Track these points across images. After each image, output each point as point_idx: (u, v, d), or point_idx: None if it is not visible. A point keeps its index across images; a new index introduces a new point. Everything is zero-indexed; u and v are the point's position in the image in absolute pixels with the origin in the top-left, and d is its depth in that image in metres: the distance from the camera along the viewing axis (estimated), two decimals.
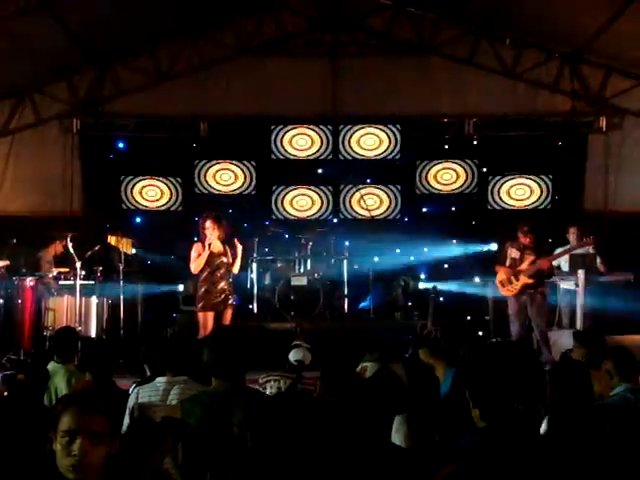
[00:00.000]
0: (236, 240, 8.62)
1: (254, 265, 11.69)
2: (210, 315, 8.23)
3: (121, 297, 10.47)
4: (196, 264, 8.33)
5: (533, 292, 8.83)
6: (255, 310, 11.47)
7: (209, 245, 8.29)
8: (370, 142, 12.90)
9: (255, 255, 11.71)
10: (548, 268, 8.86)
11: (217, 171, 13.02)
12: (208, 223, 8.33)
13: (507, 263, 9.02)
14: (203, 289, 8.33)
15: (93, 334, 9.94)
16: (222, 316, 8.27)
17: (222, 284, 8.33)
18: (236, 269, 8.51)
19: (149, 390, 4.36)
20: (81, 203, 12.69)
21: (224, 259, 8.37)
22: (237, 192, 13.05)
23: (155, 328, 10.47)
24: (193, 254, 8.39)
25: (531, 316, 8.80)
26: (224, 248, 8.39)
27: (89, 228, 11.98)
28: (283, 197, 12.98)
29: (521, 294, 8.84)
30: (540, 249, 9.02)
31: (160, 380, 4.38)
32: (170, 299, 11.37)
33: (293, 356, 5.88)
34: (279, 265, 11.85)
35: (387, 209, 12.97)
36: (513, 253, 8.97)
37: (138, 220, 13.07)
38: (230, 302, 8.39)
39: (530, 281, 8.77)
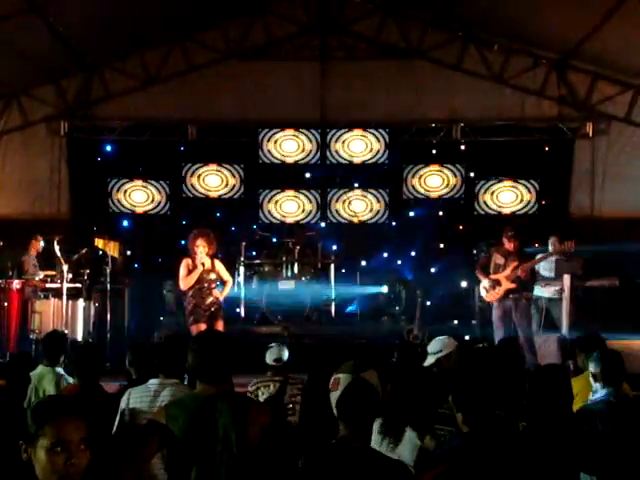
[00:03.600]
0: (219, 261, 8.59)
1: (241, 269, 11.71)
2: (203, 327, 8.20)
3: (108, 301, 10.42)
4: (186, 282, 8.24)
5: (518, 297, 8.83)
6: (242, 314, 11.48)
7: (202, 264, 8.24)
8: (358, 146, 12.93)
9: (242, 259, 11.75)
10: (525, 276, 8.81)
11: (205, 175, 13.04)
12: (199, 241, 8.23)
13: (491, 268, 9.00)
14: (192, 303, 8.23)
15: (80, 337, 9.89)
16: (214, 327, 8.23)
17: (211, 298, 8.31)
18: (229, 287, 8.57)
19: (141, 392, 4.37)
20: (68, 206, 12.74)
21: (212, 275, 8.33)
22: (225, 196, 13.06)
23: (142, 332, 10.45)
24: (182, 271, 8.24)
25: (516, 321, 8.79)
26: (212, 263, 8.35)
27: (76, 231, 11.98)
28: (271, 201, 13.00)
29: (505, 299, 8.83)
30: (524, 255, 9.00)
31: (153, 382, 4.39)
32: (157, 303, 11.35)
33: (269, 357, 5.85)
34: (267, 269, 11.83)
35: (375, 213, 12.99)
36: (498, 259, 8.95)
37: (125, 223, 13.04)
38: (221, 313, 8.39)
39: (512, 286, 8.75)
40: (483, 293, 9.08)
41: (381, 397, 2.93)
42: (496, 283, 8.83)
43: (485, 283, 8.97)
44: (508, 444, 2.58)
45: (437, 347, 5.28)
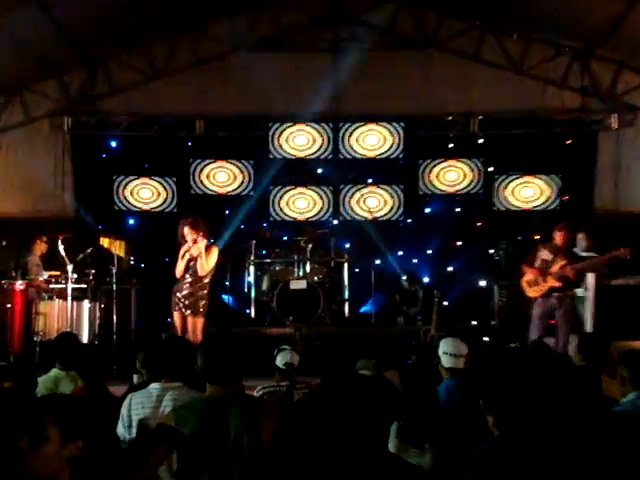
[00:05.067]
0: (214, 247, 8.75)
1: (251, 268, 11.73)
2: (177, 315, 8.56)
3: (114, 301, 10.44)
4: (177, 270, 8.62)
5: (562, 295, 8.75)
6: (253, 315, 11.53)
7: (187, 252, 8.49)
8: (372, 141, 12.86)
9: (252, 258, 11.75)
10: (574, 277, 8.75)
11: (213, 171, 13.02)
12: (186, 229, 8.53)
13: (537, 264, 8.90)
14: (174, 292, 8.66)
15: (85, 340, 9.94)
16: (191, 323, 8.48)
17: (188, 289, 8.52)
18: (202, 270, 8.53)
19: (142, 397, 4.36)
20: (72, 204, 12.76)
21: (198, 265, 8.55)
22: (234, 192, 13.04)
23: (149, 333, 10.40)
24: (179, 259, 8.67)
25: (558, 320, 8.70)
26: (206, 251, 8.55)
27: (81, 230, 11.98)
28: (282, 198, 12.99)
29: (548, 297, 8.74)
30: (573, 255, 8.92)
31: (154, 386, 4.38)
32: (164, 303, 11.08)
33: (280, 360, 5.87)
34: (278, 268, 11.82)
35: (389, 210, 12.95)
36: (544, 254, 8.83)
37: (131, 222, 13.07)
38: (200, 310, 8.52)
39: (558, 284, 8.67)
40: (525, 288, 8.97)
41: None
42: (541, 278, 8.75)
43: (529, 277, 8.88)
44: (540, 450, 2.55)
45: (451, 348, 5.26)
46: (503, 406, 2.63)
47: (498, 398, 2.64)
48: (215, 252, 8.64)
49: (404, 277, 12.14)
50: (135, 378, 5.48)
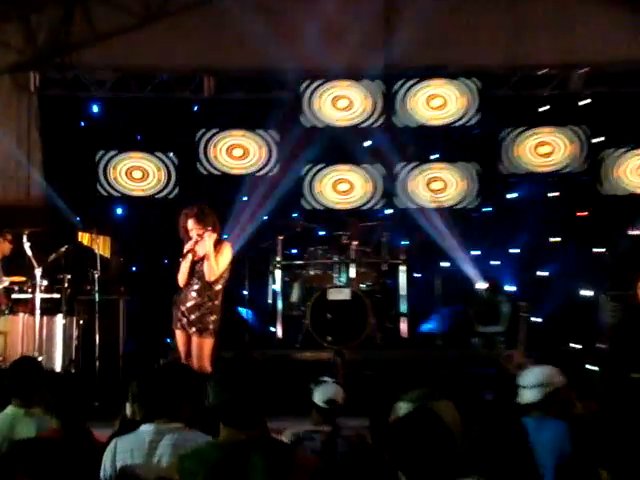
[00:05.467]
0: (226, 243, 8.77)
1: (277, 273, 11.69)
2: (180, 335, 8.57)
3: (96, 316, 10.37)
4: (179, 277, 8.64)
5: None
6: (279, 334, 11.48)
7: (191, 252, 8.52)
8: (436, 104, 12.85)
9: (279, 259, 11.69)
10: None
11: (227, 144, 12.92)
12: (190, 223, 8.53)
13: None
14: (176, 304, 8.67)
15: (58, 366, 9.91)
16: (197, 345, 8.48)
17: (193, 300, 8.55)
18: (210, 275, 8.53)
19: (131, 442, 4.36)
20: (41, 188, 12.71)
21: (205, 267, 8.54)
22: (254, 173, 12.98)
23: (143, 359, 10.48)
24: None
25: None
26: (215, 249, 8.53)
27: (53, 222, 12.02)
28: (317, 179, 12.92)
29: None
30: None
31: (146, 428, 4.37)
32: (163, 319, 10.59)
33: (320, 396, 5.72)
34: (312, 273, 11.81)
35: (460, 196, 12.92)
36: None
37: (119, 211, 13.05)
38: (209, 328, 8.50)
39: None
40: None
41: (460, 442, 2.89)
42: None
43: None
44: None
45: (537, 379, 5.21)
46: (625, 459, 2.56)
47: (617, 448, 2.54)
48: (228, 250, 8.63)
49: (480, 285, 12.08)
50: (128, 408, 5.43)
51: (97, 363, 10.26)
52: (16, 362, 6.19)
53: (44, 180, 12.81)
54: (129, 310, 11.31)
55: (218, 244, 8.56)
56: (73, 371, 10.05)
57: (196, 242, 8.46)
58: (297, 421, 5.93)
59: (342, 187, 13.02)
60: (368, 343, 10.98)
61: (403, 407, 2.68)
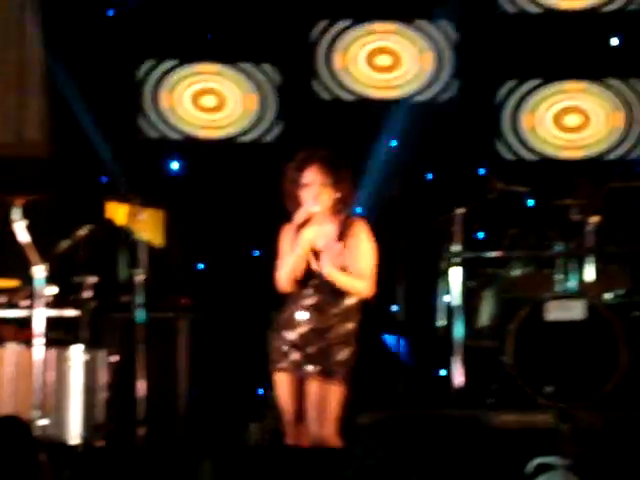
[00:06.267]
0: (363, 224, 6.98)
1: (454, 274, 9.62)
2: (286, 380, 6.84)
3: (140, 348, 8.74)
4: (282, 275, 6.91)
5: None
6: (458, 382, 9.36)
7: (301, 225, 6.78)
8: None
9: (457, 249, 9.62)
10: None
11: (368, 47, 10.77)
12: (307, 175, 6.69)
13: None
14: (277, 327, 7.09)
15: (74, 437, 7.98)
16: (317, 396, 6.68)
17: (310, 323, 6.75)
18: (327, 270, 6.71)
19: None
20: (47, 127, 10.54)
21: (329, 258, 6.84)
22: (414, 94, 10.77)
23: (220, 421, 8.82)
24: (281, 249, 7.10)
25: None
26: (341, 228, 6.88)
27: (64, 185, 10.05)
28: (527, 107, 10.61)
29: None
30: None
31: None
32: (252, 352, 9.22)
33: None
34: (517, 273, 9.76)
35: None
36: None
37: (176, 167, 10.73)
38: (342, 367, 6.66)
39: None
40: None
41: None
42: None
43: None
44: None
45: None
46: None
47: None
48: (369, 237, 6.91)
49: None
50: None
51: (141, 429, 8.43)
52: None
53: (49, 113, 10.55)
54: (195, 337, 9.19)
55: (354, 226, 6.90)
56: (99, 445, 8.11)
57: (317, 211, 6.80)
58: None
59: (570, 120, 10.50)
60: (619, 395, 8.76)
61: None
